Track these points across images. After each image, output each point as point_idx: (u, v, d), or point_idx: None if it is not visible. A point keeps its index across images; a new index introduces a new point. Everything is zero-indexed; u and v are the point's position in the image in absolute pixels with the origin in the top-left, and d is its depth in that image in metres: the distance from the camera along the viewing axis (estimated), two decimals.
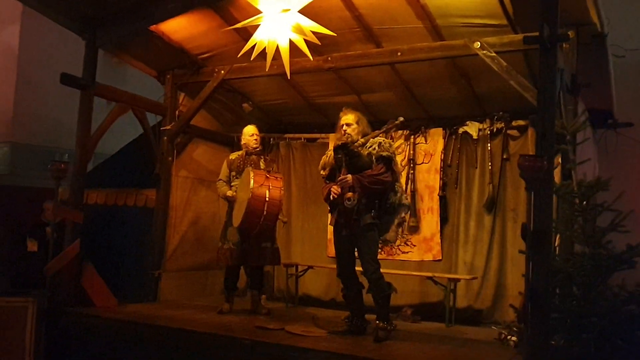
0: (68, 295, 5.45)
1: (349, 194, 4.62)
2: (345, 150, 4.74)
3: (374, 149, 4.75)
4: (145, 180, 6.79)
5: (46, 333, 5.20)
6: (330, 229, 6.60)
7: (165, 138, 6.54)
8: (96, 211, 6.94)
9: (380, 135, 4.89)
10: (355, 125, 4.85)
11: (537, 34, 3.97)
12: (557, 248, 4.37)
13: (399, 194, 4.85)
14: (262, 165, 5.89)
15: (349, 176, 4.67)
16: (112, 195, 7.02)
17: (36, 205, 7.00)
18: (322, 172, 5.03)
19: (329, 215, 5.02)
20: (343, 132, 4.86)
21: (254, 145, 5.94)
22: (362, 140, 4.79)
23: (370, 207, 4.72)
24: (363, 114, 5.07)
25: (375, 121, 6.28)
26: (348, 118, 4.89)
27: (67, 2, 5.51)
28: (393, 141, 6.12)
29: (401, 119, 4.89)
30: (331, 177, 4.91)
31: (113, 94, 6.04)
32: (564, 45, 4.44)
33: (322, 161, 5.07)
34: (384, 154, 4.74)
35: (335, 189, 4.71)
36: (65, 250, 5.35)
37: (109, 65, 7.48)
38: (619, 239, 4.06)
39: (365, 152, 4.76)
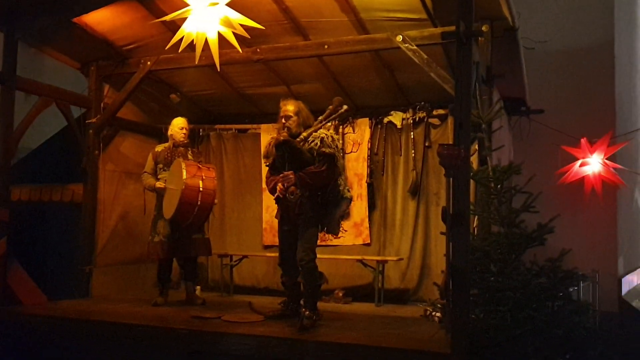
0: None
1: (292, 188, 4.69)
2: (287, 147, 4.69)
3: (316, 144, 4.69)
4: (71, 175, 6.66)
5: None
6: (266, 218, 6.82)
7: (91, 131, 6.43)
8: (20, 208, 6.73)
9: (325, 126, 4.80)
10: (294, 117, 4.78)
11: (453, 28, 4.22)
12: (476, 229, 4.67)
13: (341, 187, 4.87)
14: (190, 157, 5.89)
15: (291, 173, 4.69)
16: (36, 191, 6.82)
17: None
18: (264, 160, 5.05)
19: (275, 206, 5.03)
20: (282, 124, 4.80)
21: (182, 139, 5.92)
22: (305, 134, 4.73)
23: (313, 200, 4.75)
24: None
25: None
26: (287, 110, 4.81)
27: None
28: (337, 133, 6.20)
29: (345, 107, 4.81)
30: (274, 166, 4.91)
31: (35, 88, 5.89)
32: (479, 39, 4.72)
33: (265, 149, 5.06)
34: (327, 150, 4.68)
35: (280, 186, 4.73)
36: None
37: (25, 56, 7.23)
38: (531, 219, 4.37)
39: (307, 147, 4.70)
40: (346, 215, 6.60)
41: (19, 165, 7.48)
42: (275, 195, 4.84)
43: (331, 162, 4.72)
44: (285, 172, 4.74)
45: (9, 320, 5.18)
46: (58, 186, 6.73)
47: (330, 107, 4.82)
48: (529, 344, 3.89)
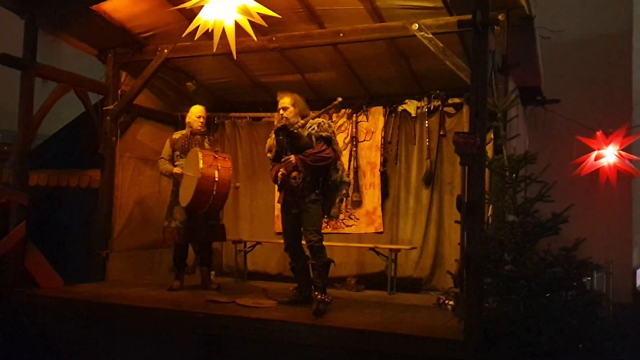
0: (14, 277, 5.40)
1: (294, 174, 4.83)
2: (285, 132, 4.90)
3: (314, 129, 4.92)
4: (88, 161, 6.73)
5: None
6: (278, 205, 6.82)
7: (108, 118, 6.49)
8: (38, 193, 6.83)
9: (322, 115, 5.05)
10: (291, 109, 5.00)
11: (470, 17, 4.22)
12: (490, 218, 4.68)
13: (340, 172, 5.05)
14: (206, 145, 5.95)
15: (292, 156, 4.86)
16: (54, 176, 6.92)
17: None
18: (268, 154, 5.18)
19: (277, 193, 5.18)
20: (280, 116, 5.01)
21: (199, 127, 5.97)
22: (302, 121, 4.95)
23: (315, 184, 4.92)
24: (305, 93, 5.25)
25: (319, 100, 6.48)
26: (284, 102, 5.03)
27: None
28: (332, 121, 6.36)
29: (340, 99, 5.08)
30: (277, 159, 5.06)
31: (54, 74, 5.95)
32: (495, 28, 4.71)
33: (267, 144, 5.21)
34: (324, 134, 4.92)
35: (282, 171, 4.88)
36: (11, 233, 5.30)
37: (43, 43, 7.31)
38: (545, 208, 4.37)
39: (305, 132, 4.91)
40: (358, 203, 6.69)
41: (38, 151, 7.59)
42: (279, 181, 4.98)
43: (329, 144, 4.93)
44: (286, 157, 4.88)
45: (27, 302, 5.28)
46: (75, 172, 6.82)
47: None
48: (543, 333, 3.91)
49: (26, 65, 5.56)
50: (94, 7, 5.59)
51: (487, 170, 4.28)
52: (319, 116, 5.05)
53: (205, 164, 5.45)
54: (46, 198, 7.07)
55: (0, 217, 5.26)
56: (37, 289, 5.49)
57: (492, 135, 4.80)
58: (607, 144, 6.96)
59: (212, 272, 6.26)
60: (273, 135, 5.11)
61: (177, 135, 6.07)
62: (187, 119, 6.03)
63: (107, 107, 6.50)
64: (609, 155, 6.98)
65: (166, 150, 6.01)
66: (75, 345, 5.02)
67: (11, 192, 5.44)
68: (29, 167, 5.86)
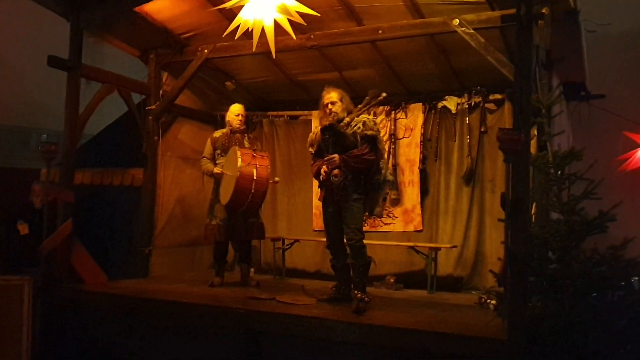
0: (61, 273, 5.53)
1: (336, 171, 4.81)
2: (333, 131, 4.86)
3: (359, 127, 4.86)
4: (131, 160, 6.85)
5: (41, 309, 5.34)
6: (316, 203, 6.86)
7: (150, 118, 6.61)
8: (83, 191, 6.98)
9: (364, 112, 5.01)
10: (339, 103, 4.96)
11: (513, 11, 4.14)
12: (534, 216, 4.58)
13: (383, 171, 4.99)
14: (246, 143, 6.01)
15: (336, 156, 4.83)
16: (97, 175, 7.07)
17: (21, 186, 7.00)
18: (310, 149, 5.17)
19: (319, 190, 5.17)
20: (328, 110, 4.95)
21: (237, 126, 6.04)
22: (347, 119, 4.91)
23: (356, 183, 4.88)
24: (344, 90, 5.21)
25: (356, 97, 6.44)
26: (332, 96, 4.98)
27: None
28: (375, 117, 6.31)
29: (384, 94, 5.02)
30: (319, 154, 5.05)
31: (98, 75, 6.07)
32: (539, 22, 4.61)
33: (309, 138, 5.20)
34: (369, 132, 4.85)
35: (324, 169, 4.88)
36: (58, 229, 5.44)
37: (85, 44, 7.48)
38: (592, 206, 4.27)
39: (350, 131, 4.87)
40: (396, 201, 6.65)
41: (81, 150, 7.75)
42: (320, 178, 4.97)
43: (373, 144, 4.87)
44: (330, 155, 4.87)
45: (73, 297, 5.43)
46: (118, 170, 6.95)
47: (367, 97, 5.06)
48: (589, 333, 3.82)
49: (72, 66, 5.69)
50: (136, 8, 5.69)
51: None
52: (362, 112, 4.99)
53: (244, 162, 5.50)
54: (90, 196, 7.24)
55: (48, 215, 5.39)
56: (83, 284, 5.63)
57: (535, 132, 4.71)
58: None
59: (251, 269, 6.32)
60: (316, 130, 5.09)
61: (217, 134, 6.15)
62: (227, 118, 6.11)
63: (149, 107, 6.61)
64: None
65: (207, 149, 6.10)
66: (119, 339, 5.15)
67: (58, 189, 5.57)
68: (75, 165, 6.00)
